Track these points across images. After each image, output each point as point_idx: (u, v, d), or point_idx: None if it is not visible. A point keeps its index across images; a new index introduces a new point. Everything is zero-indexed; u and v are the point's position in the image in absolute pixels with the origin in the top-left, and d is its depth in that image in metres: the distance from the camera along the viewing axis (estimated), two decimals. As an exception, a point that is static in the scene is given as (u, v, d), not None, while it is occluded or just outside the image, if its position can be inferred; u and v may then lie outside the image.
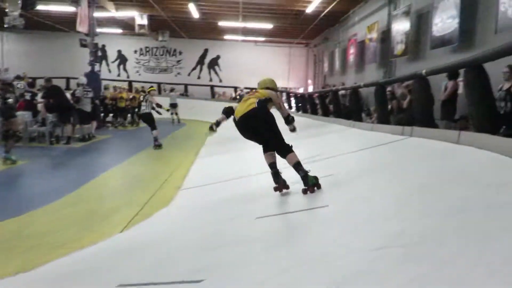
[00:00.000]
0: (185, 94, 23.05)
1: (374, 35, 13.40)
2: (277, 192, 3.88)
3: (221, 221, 3.47)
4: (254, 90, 4.28)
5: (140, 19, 18.08)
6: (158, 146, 9.62)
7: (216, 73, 24.94)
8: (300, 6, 15.85)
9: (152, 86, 10.70)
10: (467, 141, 3.73)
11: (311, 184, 3.51)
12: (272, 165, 3.95)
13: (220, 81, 24.68)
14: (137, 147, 10.03)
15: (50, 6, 16.27)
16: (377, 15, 13.55)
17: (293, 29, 20.43)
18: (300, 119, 12.26)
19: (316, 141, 7.67)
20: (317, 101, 12.46)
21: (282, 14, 17.43)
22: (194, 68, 24.85)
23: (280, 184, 3.89)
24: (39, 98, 10.34)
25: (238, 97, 22.41)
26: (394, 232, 2.07)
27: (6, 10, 10.04)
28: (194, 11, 16.53)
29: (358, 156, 5.09)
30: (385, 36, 12.66)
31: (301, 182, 3.57)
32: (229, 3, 15.95)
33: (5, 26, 10.44)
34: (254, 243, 2.48)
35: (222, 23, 19.37)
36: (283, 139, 3.86)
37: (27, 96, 10.09)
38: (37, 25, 20.05)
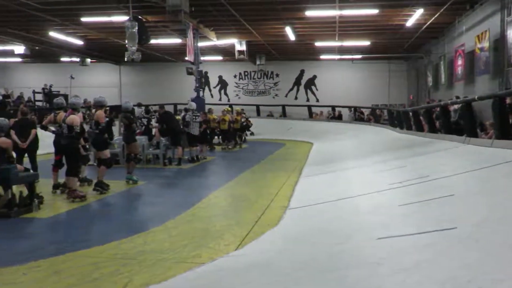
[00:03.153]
0: (282, 115, 23.50)
1: (485, 44, 12.41)
2: (392, 212, 3.77)
3: (337, 241, 3.42)
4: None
5: (239, 45, 18.95)
6: None
7: (313, 93, 25.03)
8: (399, 20, 15.35)
9: None
10: None
11: None
12: None
13: (317, 100, 24.70)
14: (241, 168, 10.38)
15: (159, 39, 17.85)
16: (487, 22, 12.56)
17: (392, 44, 19.81)
18: (403, 136, 11.73)
19: (425, 160, 7.25)
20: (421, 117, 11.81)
21: (380, 30, 17.01)
22: (291, 89, 25.23)
23: None
24: (153, 123, 11.32)
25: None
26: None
27: (127, 46, 11.26)
28: (290, 34, 16.89)
29: (479, 175, 4.68)
30: (499, 44, 11.66)
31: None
32: (325, 23, 16.01)
33: (125, 60, 11.69)
34: (379, 265, 2.40)
35: (318, 44, 19.49)
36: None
37: (143, 122, 11.10)
38: (148, 57, 22.07)
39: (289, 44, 19.56)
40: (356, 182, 6.69)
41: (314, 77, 25.03)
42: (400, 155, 8.59)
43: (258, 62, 23.41)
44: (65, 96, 14.29)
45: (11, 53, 20.23)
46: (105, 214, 6.21)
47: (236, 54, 19.22)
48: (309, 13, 14.01)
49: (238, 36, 18.36)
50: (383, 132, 14.82)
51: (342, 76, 24.37)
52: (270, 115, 24.19)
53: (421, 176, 5.64)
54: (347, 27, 16.64)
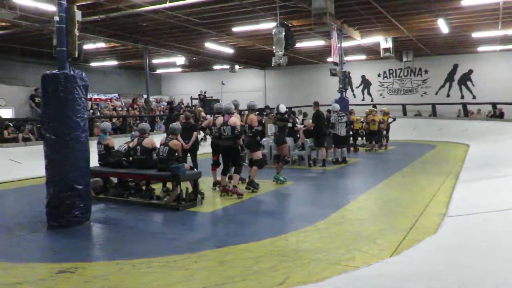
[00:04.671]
0: (432, 114, 21.87)
1: None
2: None
3: (513, 257, 3.03)
4: None
5: (385, 43, 18.15)
6: None
7: (468, 89, 22.61)
8: None
9: None
10: None
11: None
12: None
13: (474, 97, 22.23)
14: (388, 170, 9.95)
15: (303, 42, 18.19)
16: None
17: None
18: None
19: None
20: None
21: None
22: (442, 86, 23.22)
23: None
24: (298, 125, 11.59)
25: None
26: None
27: (274, 51, 11.75)
28: (443, 27, 15.55)
29: None
30: None
31: None
32: (486, 11, 14.31)
33: (272, 65, 12.22)
34: None
35: (475, 35, 17.55)
36: None
37: (289, 124, 11.44)
38: (291, 60, 22.65)
39: (440, 37, 18.02)
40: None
41: (470, 71, 22.58)
42: None
43: (404, 59, 22.10)
44: (217, 101, 15.60)
45: (173, 64, 22.89)
46: (258, 211, 6.59)
47: (381, 52, 18.43)
48: (466, 1, 12.70)
49: (383, 33, 17.61)
50: (561, 132, 12.67)
51: (505, 69, 21.49)
52: (418, 115, 22.65)
53: None
54: (514, 13, 14.63)
